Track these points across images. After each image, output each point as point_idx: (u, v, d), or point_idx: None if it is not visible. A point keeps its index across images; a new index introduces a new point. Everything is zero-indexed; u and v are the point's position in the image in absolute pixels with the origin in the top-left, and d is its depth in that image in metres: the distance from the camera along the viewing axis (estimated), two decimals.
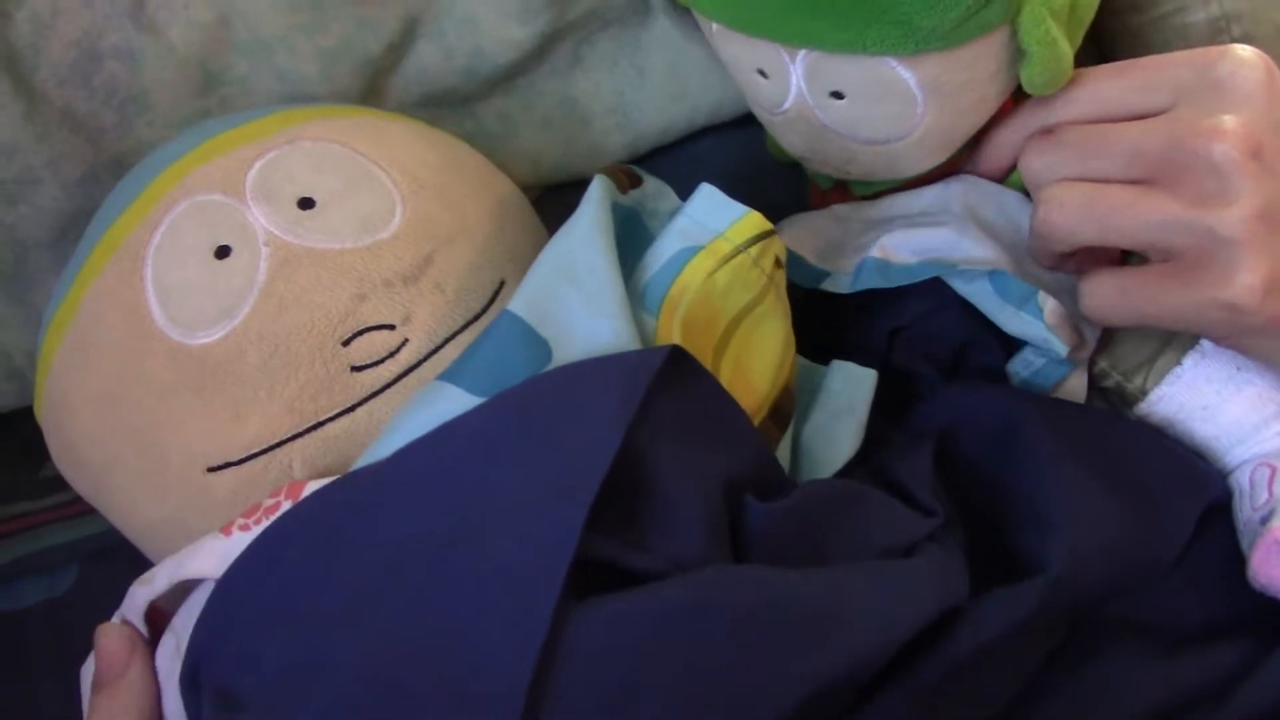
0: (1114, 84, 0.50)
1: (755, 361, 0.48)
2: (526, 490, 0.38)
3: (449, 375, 0.44)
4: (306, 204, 0.47)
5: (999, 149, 0.55)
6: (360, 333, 0.45)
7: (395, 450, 0.41)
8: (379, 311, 0.46)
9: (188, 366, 0.45)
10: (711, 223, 0.48)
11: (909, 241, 0.54)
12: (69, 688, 0.50)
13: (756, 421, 0.47)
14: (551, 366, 0.43)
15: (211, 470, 0.46)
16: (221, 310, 0.45)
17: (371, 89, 0.59)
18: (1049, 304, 0.51)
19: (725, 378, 0.47)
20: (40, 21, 0.52)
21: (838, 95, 0.51)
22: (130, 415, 0.46)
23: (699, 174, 0.53)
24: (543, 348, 0.44)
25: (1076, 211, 0.48)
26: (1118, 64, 0.50)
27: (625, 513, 0.38)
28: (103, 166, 0.55)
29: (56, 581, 0.57)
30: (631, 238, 0.49)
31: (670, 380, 0.41)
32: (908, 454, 0.49)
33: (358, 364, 0.45)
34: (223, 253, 0.46)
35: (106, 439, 0.47)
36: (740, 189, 0.50)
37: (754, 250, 0.48)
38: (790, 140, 0.56)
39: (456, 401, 0.43)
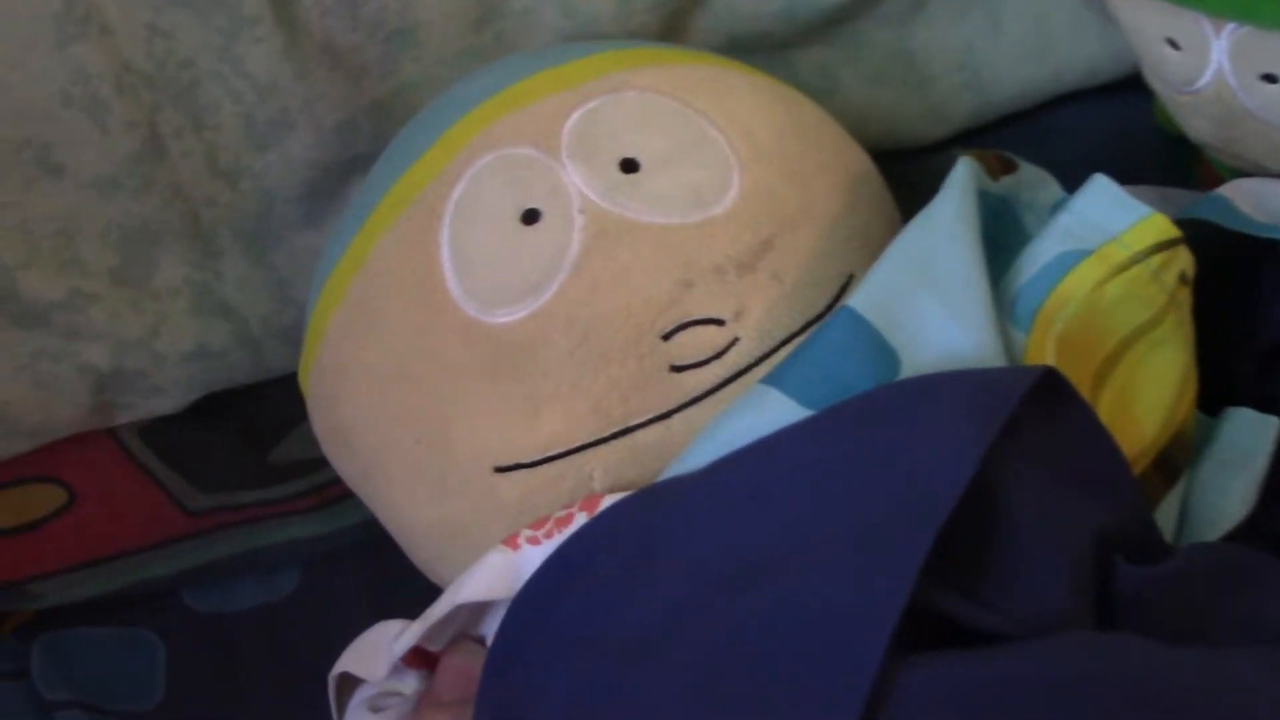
0: None
1: (1144, 396, 0.44)
2: (858, 520, 0.36)
3: (775, 379, 0.41)
4: (630, 166, 0.45)
5: None
6: (684, 326, 0.43)
7: (708, 463, 0.40)
8: (707, 303, 0.43)
9: (483, 347, 0.44)
10: (1104, 223, 0.44)
11: None
12: (282, 704, 0.52)
13: (1138, 469, 0.43)
14: (899, 377, 0.41)
15: (500, 470, 0.44)
16: (526, 285, 0.43)
17: (671, 28, 0.57)
18: None
19: (1104, 412, 0.43)
20: None
21: (1270, 79, 0.47)
22: (413, 397, 0.45)
23: (1057, 151, 0.50)
24: (888, 356, 0.42)
25: None
26: None
27: (971, 559, 0.36)
28: (362, 111, 0.55)
29: (277, 584, 0.58)
30: (1002, 234, 0.46)
31: (1039, 408, 0.38)
32: None
33: (679, 363, 0.43)
34: (531, 217, 0.44)
35: (384, 421, 0.46)
36: (1110, 172, 0.46)
37: (1155, 261, 0.44)
38: (1197, 124, 0.53)
39: (782, 411, 0.41)
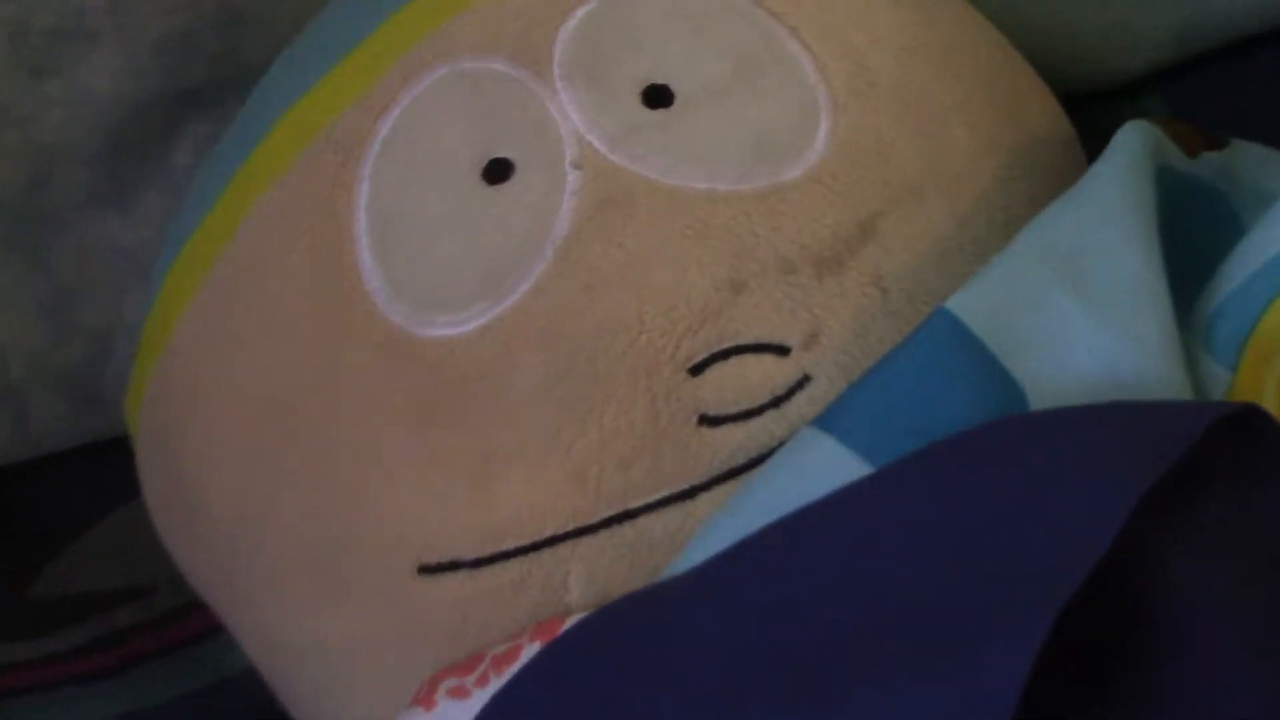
0: None
1: None
2: (943, 608, 0.32)
3: (829, 421, 0.36)
4: (658, 97, 0.38)
5: None
6: (725, 354, 0.36)
7: (725, 548, 0.34)
8: (765, 318, 0.37)
9: (412, 375, 0.37)
10: None
11: None
12: None
13: None
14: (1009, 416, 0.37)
15: (427, 570, 0.37)
16: (484, 279, 0.37)
17: None
18: None
19: None
20: None
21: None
22: (301, 446, 0.39)
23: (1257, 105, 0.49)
24: (1007, 388, 0.37)
25: None
26: None
27: (1123, 678, 0.32)
28: (204, 18, 0.48)
29: None
30: (1198, 231, 0.41)
31: (1237, 463, 0.34)
32: None
33: (713, 412, 0.36)
34: (499, 171, 0.38)
35: (255, 481, 0.40)
36: None
37: None
38: None
39: (836, 467, 0.35)
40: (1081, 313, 0.37)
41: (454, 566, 0.37)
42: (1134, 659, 0.32)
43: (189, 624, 0.48)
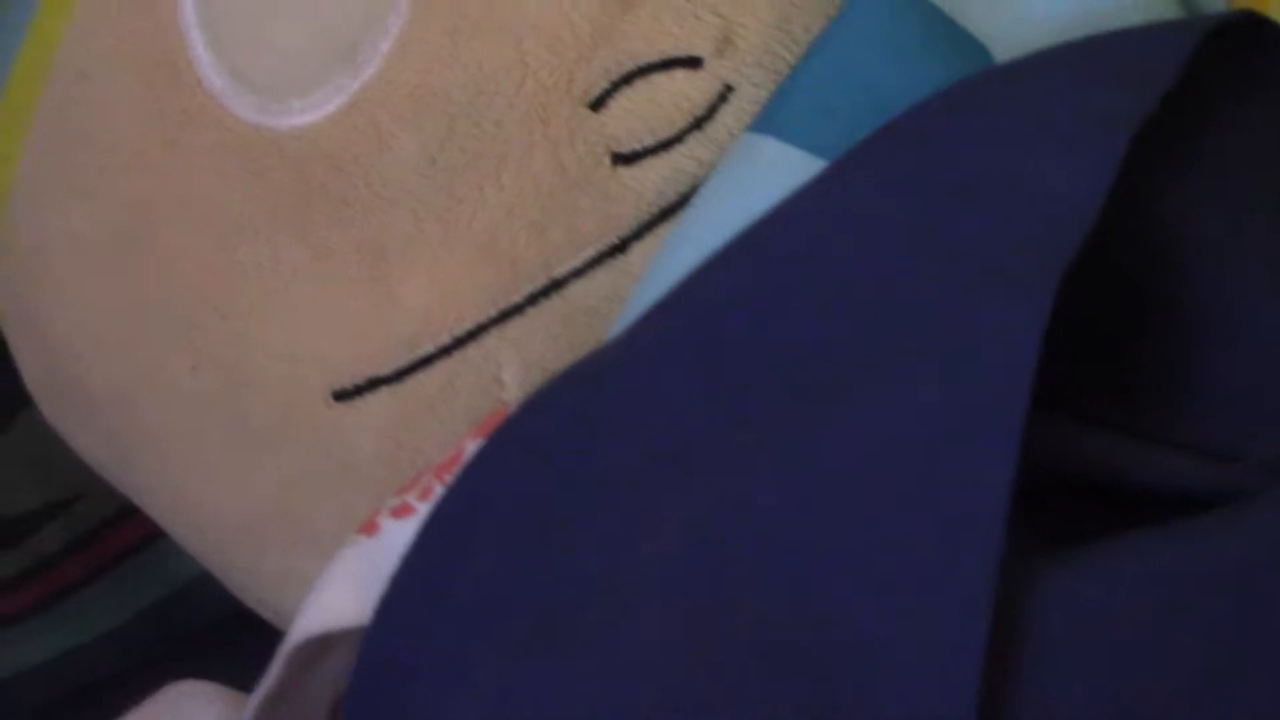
0: None
1: None
2: (927, 300, 0.31)
3: (767, 123, 0.35)
4: None
5: None
6: (625, 79, 0.35)
7: (673, 286, 0.33)
8: (664, 29, 0.35)
9: (277, 173, 0.35)
10: None
11: None
12: None
13: None
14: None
15: (342, 397, 0.35)
16: (335, 52, 0.35)
17: None
18: None
19: None
20: None
21: None
22: (169, 287, 0.37)
23: None
24: (961, 41, 0.36)
25: None
26: None
27: (1140, 368, 0.32)
28: None
29: None
30: None
31: (1238, 79, 0.34)
32: None
33: (625, 148, 0.35)
34: None
35: (129, 344, 0.38)
36: None
37: None
38: None
39: (781, 168, 0.34)
40: None
41: (372, 385, 0.35)
42: (1147, 326, 0.31)
43: (122, 533, 0.46)
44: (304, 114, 0.35)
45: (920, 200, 0.32)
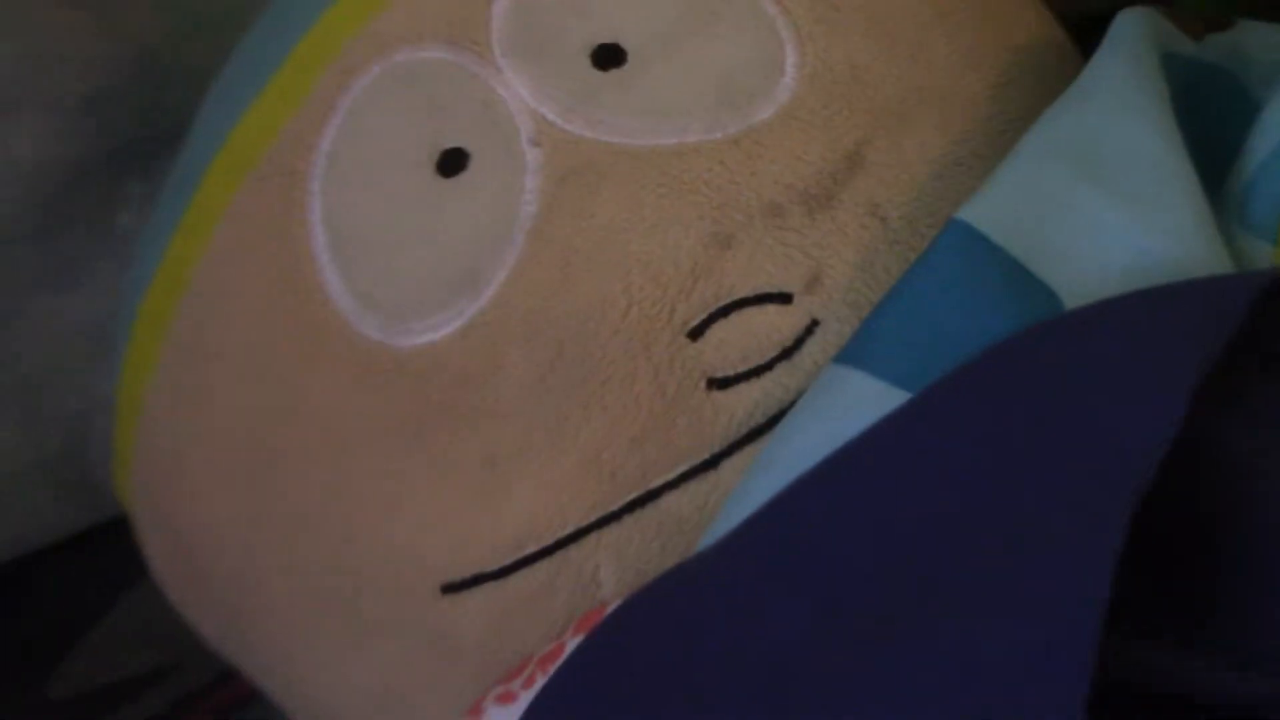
0: None
1: None
2: (1008, 529, 0.32)
3: (854, 355, 0.36)
4: (610, 56, 0.37)
5: None
6: (722, 311, 0.36)
7: (764, 503, 0.33)
8: (758, 267, 0.36)
9: (399, 388, 0.36)
10: None
11: None
12: None
13: None
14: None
15: (450, 590, 0.36)
16: (456, 279, 0.36)
17: None
18: None
19: None
20: None
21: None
22: (294, 487, 0.37)
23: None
24: (1036, 292, 0.36)
25: None
26: None
27: (1201, 589, 0.32)
28: (127, 77, 0.47)
29: None
30: (1213, 112, 0.40)
31: None
32: None
33: (720, 373, 0.35)
34: (453, 163, 0.37)
35: (249, 532, 0.39)
36: None
37: None
38: None
39: (871, 400, 0.35)
40: (1108, 205, 0.37)
41: (478, 580, 0.36)
42: (1207, 562, 0.32)
43: (223, 694, 0.46)
44: (424, 334, 0.36)
45: (996, 439, 0.33)
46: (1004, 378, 0.34)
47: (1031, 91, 0.41)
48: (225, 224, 0.39)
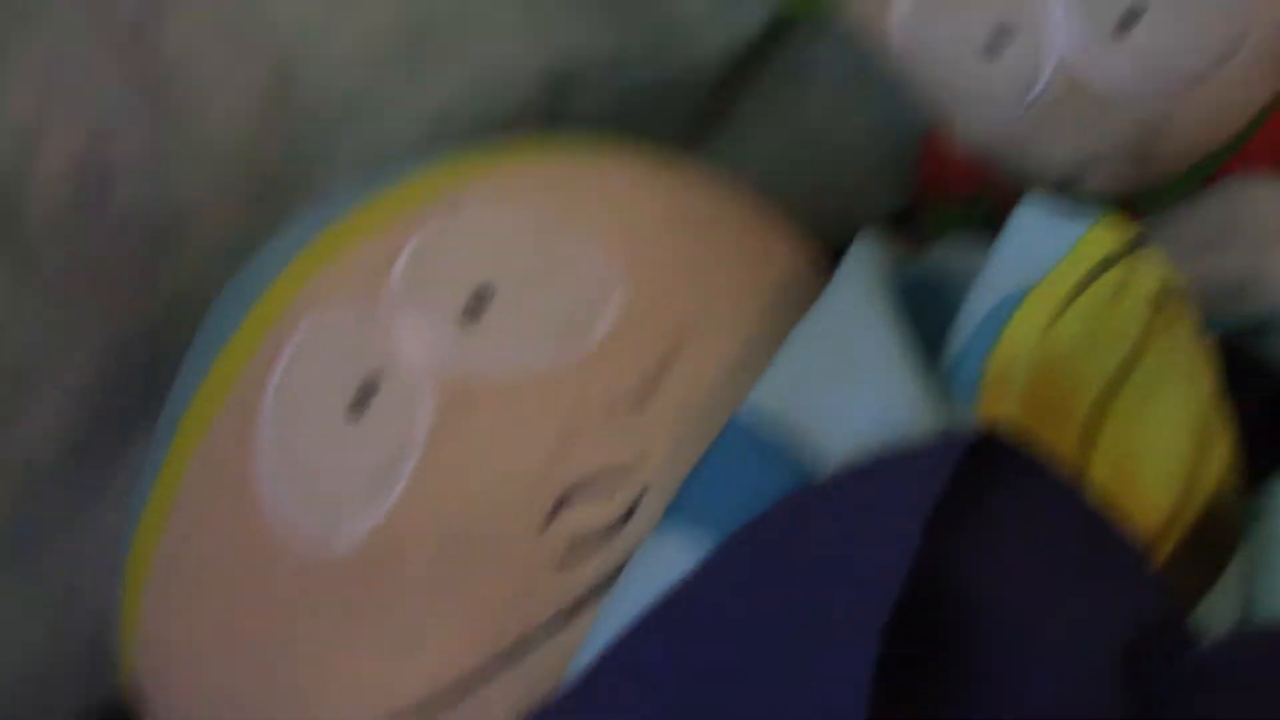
0: None
1: (1150, 458, 0.41)
2: (783, 656, 0.35)
3: (667, 519, 0.39)
4: (481, 301, 0.42)
5: None
6: (576, 488, 0.40)
7: (594, 655, 0.38)
8: (601, 452, 0.40)
9: (329, 583, 0.40)
10: (1040, 252, 0.42)
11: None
12: None
13: (1162, 552, 0.40)
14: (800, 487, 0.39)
15: None
16: (366, 492, 0.40)
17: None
18: None
19: (1103, 484, 0.40)
20: (26, 134, 0.46)
21: (1131, 19, 0.45)
22: (257, 674, 0.41)
23: None
24: (803, 455, 0.39)
25: None
26: None
27: (946, 677, 0.35)
28: (120, 348, 0.50)
29: None
30: (926, 312, 0.43)
31: (996, 483, 0.36)
32: None
33: (576, 540, 0.40)
34: (362, 401, 0.41)
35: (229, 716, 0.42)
36: None
37: (1112, 276, 0.41)
38: (1046, 150, 0.49)
39: (681, 551, 0.38)
40: (849, 395, 0.41)
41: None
42: (955, 673, 0.35)
43: None
44: (345, 540, 0.40)
45: (771, 587, 0.36)
46: (776, 534, 0.37)
47: (795, 305, 0.45)
48: (198, 457, 0.43)
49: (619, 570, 0.40)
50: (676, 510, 0.39)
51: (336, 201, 0.47)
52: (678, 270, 0.45)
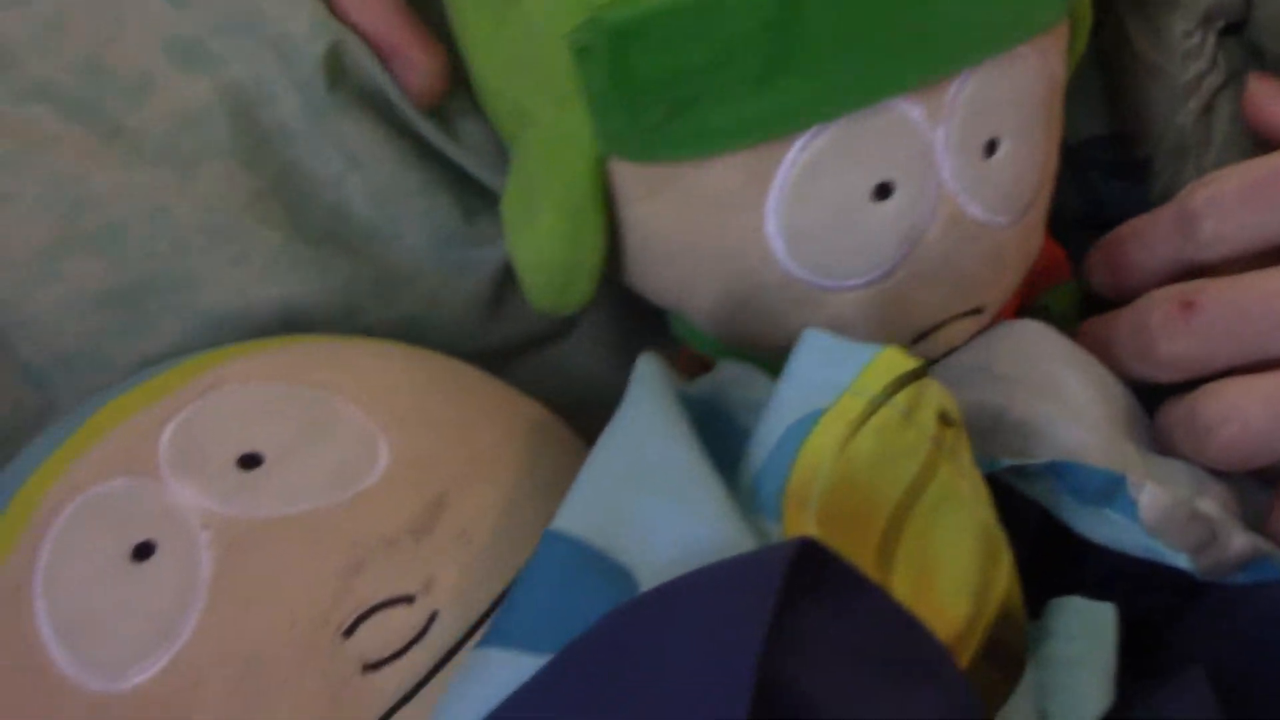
0: (1259, 213, 0.50)
1: (944, 570, 0.42)
2: None
3: (491, 639, 0.40)
4: (250, 462, 0.43)
5: (1129, 269, 0.54)
6: (366, 615, 0.41)
7: None
8: (386, 581, 0.41)
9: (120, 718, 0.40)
10: (830, 377, 0.43)
11: None
12: None
13: (964, 660, 0.41)
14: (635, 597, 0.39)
15: None
16: (157, 631, 0.40)
17: None
18: (1145, 495, 0.46)
19: (903, 597, 0.41)
20: None
21: (992, 147, 0.47)
22: None
23: None
24: (620, 576, 0.40)
25: (1267, 426, 0.48)
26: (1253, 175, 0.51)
27: None
28: None
29: None
30: (716, 440, 0.44)
31: (820, 591, 0.37)
32: (1173, 688, 0.44)
33: (372, 659, 0.40)
34: (143, 552, 0.41)
35: None
36: None
37: (901, 400, 0.43)
38: (922, 296, 0.50)
39: (511, 670, 0.38)
40: (659, 505, 0.41)
41: None
42: None
43: None
44: (138, 676, 0.40)
45: (617, 699, 0.36)
46: (611, 648, 0.37)
47: (555, 455, 0.48)
48: None
49: (421, 683, 0.41)
50: (500, 629, 0.40)
51: (94, 400, 0.47)
52: (435, 425, 0.46)
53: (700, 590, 0.37)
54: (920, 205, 0.47)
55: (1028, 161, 0.49)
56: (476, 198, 0.55)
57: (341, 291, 0.53)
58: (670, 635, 0.36)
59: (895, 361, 0.43)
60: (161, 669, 0.40)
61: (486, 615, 0.42)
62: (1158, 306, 0.51)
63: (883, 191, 0.46)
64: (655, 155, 0.46)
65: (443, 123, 0.55)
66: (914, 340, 0.49)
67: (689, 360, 0.57)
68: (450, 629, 0.42)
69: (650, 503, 0.41)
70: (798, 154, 0.46)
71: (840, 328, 0.47)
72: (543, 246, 0.48)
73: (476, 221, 0.54)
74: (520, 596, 0.40)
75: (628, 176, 0.48)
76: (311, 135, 0.52)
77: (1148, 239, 0.54)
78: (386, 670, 0.41)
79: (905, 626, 0.38)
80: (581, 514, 0.41)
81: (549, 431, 0.50)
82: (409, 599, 0.42)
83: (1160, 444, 0.52)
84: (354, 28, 0.53)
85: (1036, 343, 0.53)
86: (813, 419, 0.42)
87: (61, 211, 0.49)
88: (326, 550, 0.42)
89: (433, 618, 0.42)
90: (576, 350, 0.58)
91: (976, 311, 0.49)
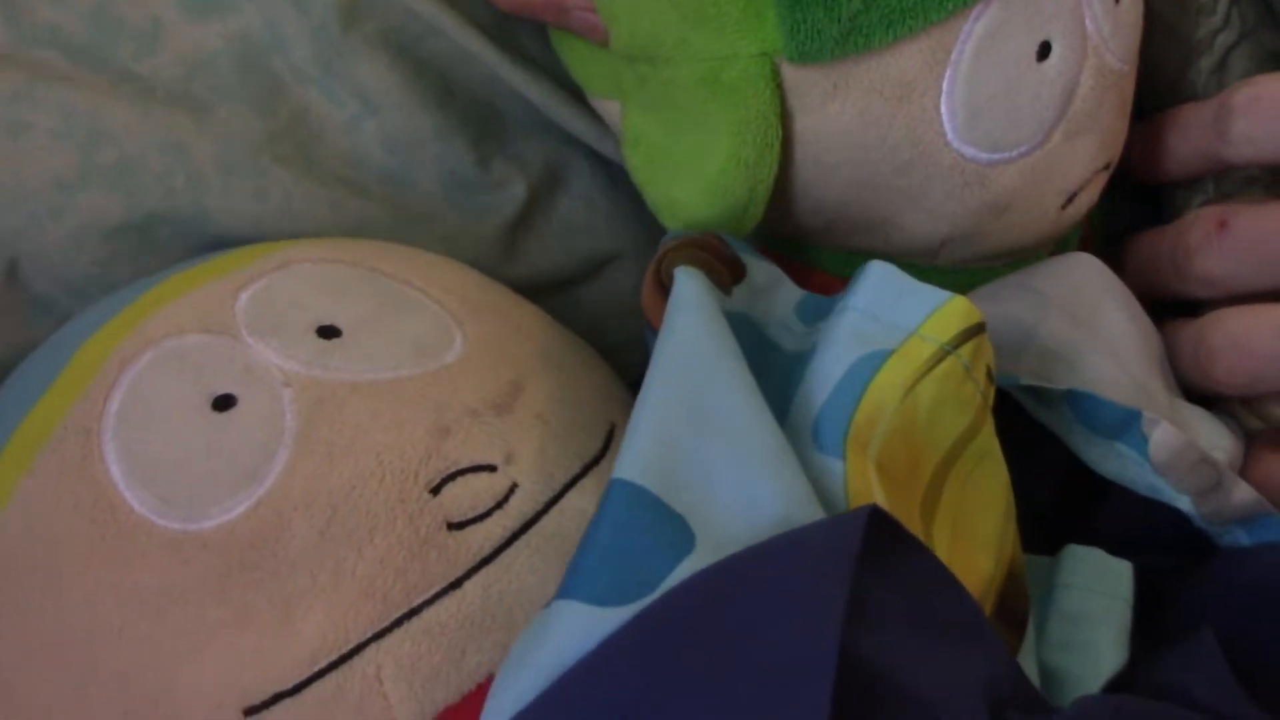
0: None
1: (977, 525, 0.43)
2: None
3: (564, 592, 0.39)
4: (329, 333, 0.44)
5: (1163, 153, 0.54)
6: (451, 476, 0.41)
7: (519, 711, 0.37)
8: (471, 448, 0.42)
9: (200, 561, 0.40)
10: (897, 316, 0.43)
11: None
12: None
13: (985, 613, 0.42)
14: (696, 549, 0.39)
15: (251, 712, 0.39)
16: (240, 474, 0.41)
17: None
18: (1159, 432, 0.46)
19: (942, 550, 0.42)
20: None
21: (1046, 49, 0.48)
22: (113, 659, 0.40)
23: None
24: (678, 527, 0.40)
25: (1272, 354, 0.48)
26: None
27: None
28: None
29: None
30: (749, 352, 0.44)
31: (878, 557, 0.37)
32: (1185, 652, 0.44)
33: (457, 519, 0.41)
34: (224, 403, 0.41)
35: (78, 712, 0.40)
36: None
37: (965, 352, 0.42)
38: (1072, 155, 0.50)
39: (585, 624, 0.38)
40: (720, 452, 0.41)
41: (277, 698, 0.39)
42: None
43: None
44: (220, 517, 0.40)
45: (694, 670, 0.36)
46: (683, 628, 0.37)
47: (601, 365, 0.50)
48: (28, 479, 0.42)
49: (502, 546, 0.41)
50: (571, 577, 0.40)
51: (157, 275, 0.47)
52: (502, 320, 0.48)
53: (779, 561, 0.37)
54: (1072, 60, 0.48)
55: (1139, 6, 0.50)
56: (491, 142, 0.55)
57: (355, 233, 0.53)
58: (754, 607, 0.36)
59: (967, 311, 0.43)
60: (244, 510, 0.40)
61: (561, 495, 0.43)
62: (1199, 223, 0.51)
63: (1044, 51, 0.47)
64: (848, 49, 0.46)
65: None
66: (1064, 204, 0.49)
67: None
68: (529, 501, 0.42)
69: (712, 449, 0.41)
70: (972, 25, 0.47)
71: (1005, 205, 0.48)
72: (725, 175, 0.47)
73: (491, 167, 0.55)
74: (589, 545, 0.40)
75: (805, 84, 0.47)
76: (325, 80, 0.52)
77: (1185, 125, 0.53)
78: (470, 530, 0.41)
79: (954, 591, 0.39)
80: (641, 457, 0.41)
81: (584, 345, 0.51)
82: (492, 468, 0.43)
83: (1170, 363, 0.52)
84: None
85: (1087, 274, 0.52)
86: (879, 358, 0.42)
87: (78, 143, 0.49)
88: (416, 412, 0.42)
89: (513, 489, 0.42)
90: (591, 293, 0.59)
91: (1106, 168, 0.50)
